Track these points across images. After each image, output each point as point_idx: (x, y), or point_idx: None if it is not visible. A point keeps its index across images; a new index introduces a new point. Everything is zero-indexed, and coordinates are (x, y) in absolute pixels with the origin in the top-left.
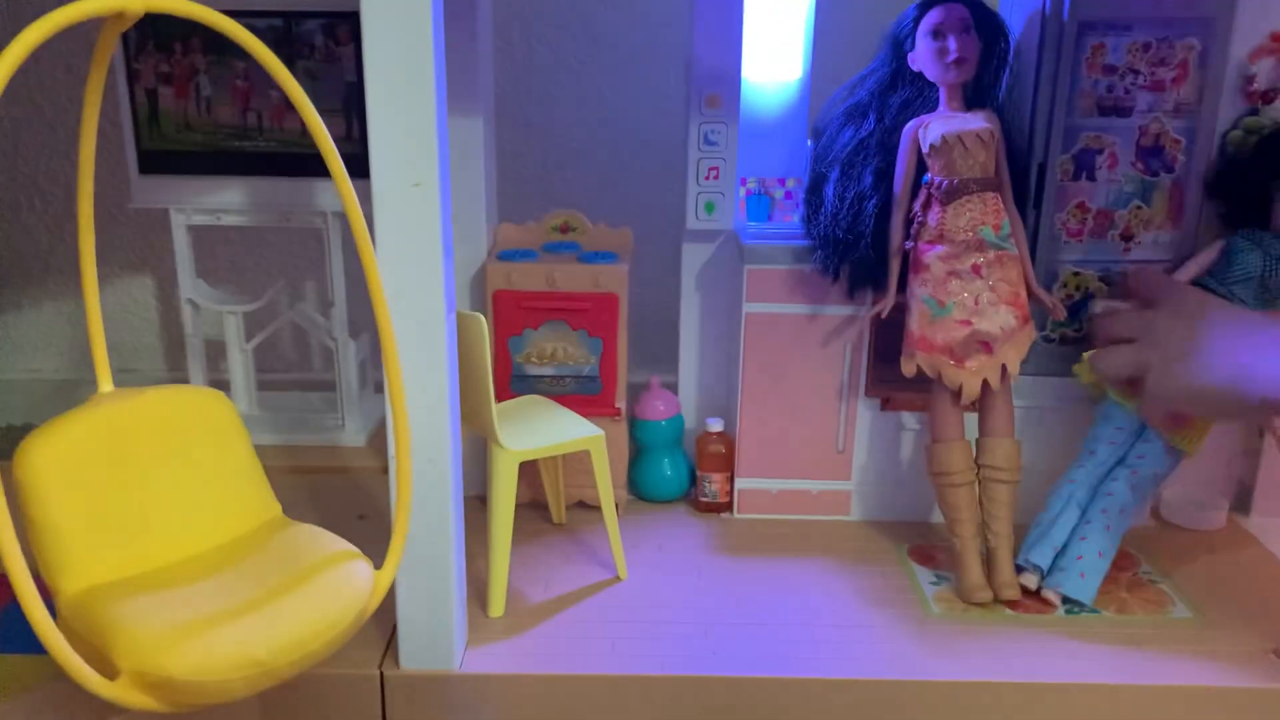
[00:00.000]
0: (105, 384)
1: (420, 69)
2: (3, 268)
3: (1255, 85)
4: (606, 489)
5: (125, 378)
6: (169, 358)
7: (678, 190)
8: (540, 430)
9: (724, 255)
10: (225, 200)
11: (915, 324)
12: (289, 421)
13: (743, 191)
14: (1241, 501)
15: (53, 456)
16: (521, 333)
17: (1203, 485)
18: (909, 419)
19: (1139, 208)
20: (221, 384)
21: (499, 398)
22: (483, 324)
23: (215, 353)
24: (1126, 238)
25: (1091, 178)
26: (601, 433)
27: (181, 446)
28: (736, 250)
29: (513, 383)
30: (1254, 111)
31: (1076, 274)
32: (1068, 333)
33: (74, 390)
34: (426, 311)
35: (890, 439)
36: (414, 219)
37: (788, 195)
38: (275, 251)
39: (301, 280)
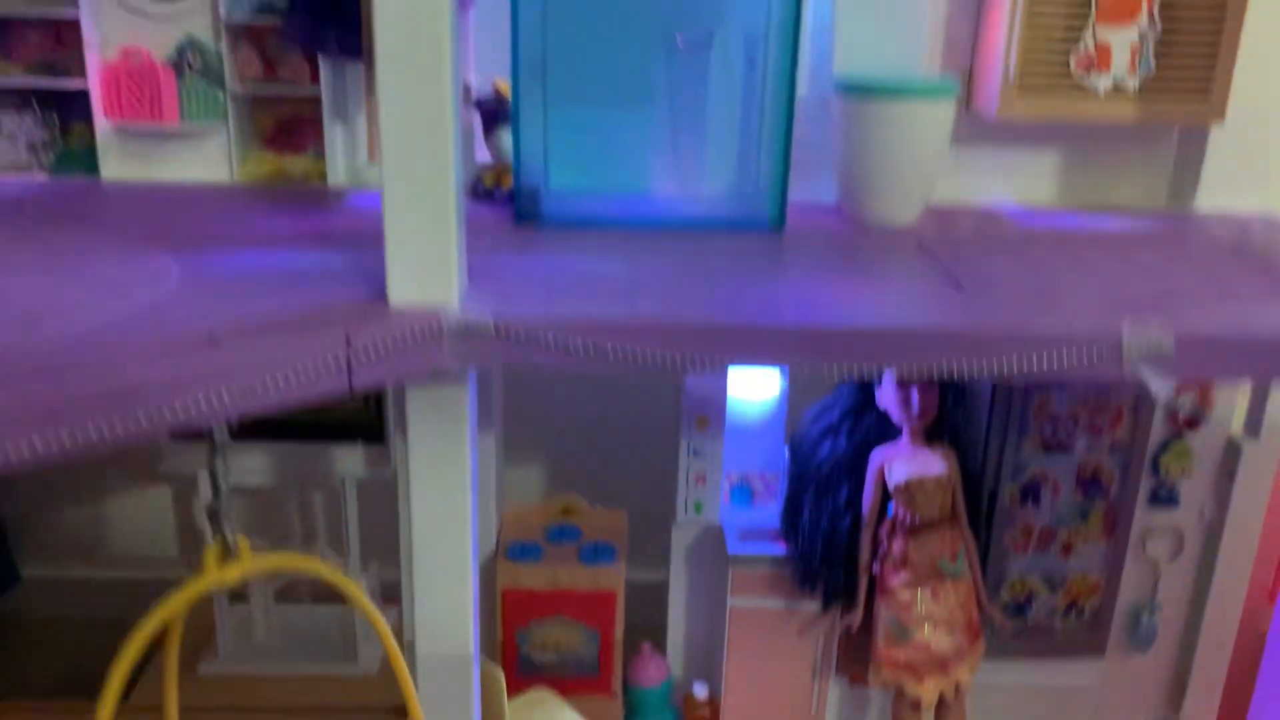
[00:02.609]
0: None
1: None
2: None
3: (1181, 415)
4: None
5: None
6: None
7: (669, 468)
8: None
9: (709, 539)
10: (247, 464)
11: (881, 641)
12: (301, 647)
13: (727, 484)
14: None
15: None
16: (528, 625)
17: None
18: (875, 693)
19: (1078, 526)
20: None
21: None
22: (500, 681)
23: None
24: (1066, 550)
25: (1036, 503)
26: None
27: None
28: (721, 540)
29: (519, 668)
30: (1179, 435)
31: (1022, 579)
32: (1009, 624)
33: None
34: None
35: (859, 711)
36: None
37: (768, 487)
38: (293, 514)
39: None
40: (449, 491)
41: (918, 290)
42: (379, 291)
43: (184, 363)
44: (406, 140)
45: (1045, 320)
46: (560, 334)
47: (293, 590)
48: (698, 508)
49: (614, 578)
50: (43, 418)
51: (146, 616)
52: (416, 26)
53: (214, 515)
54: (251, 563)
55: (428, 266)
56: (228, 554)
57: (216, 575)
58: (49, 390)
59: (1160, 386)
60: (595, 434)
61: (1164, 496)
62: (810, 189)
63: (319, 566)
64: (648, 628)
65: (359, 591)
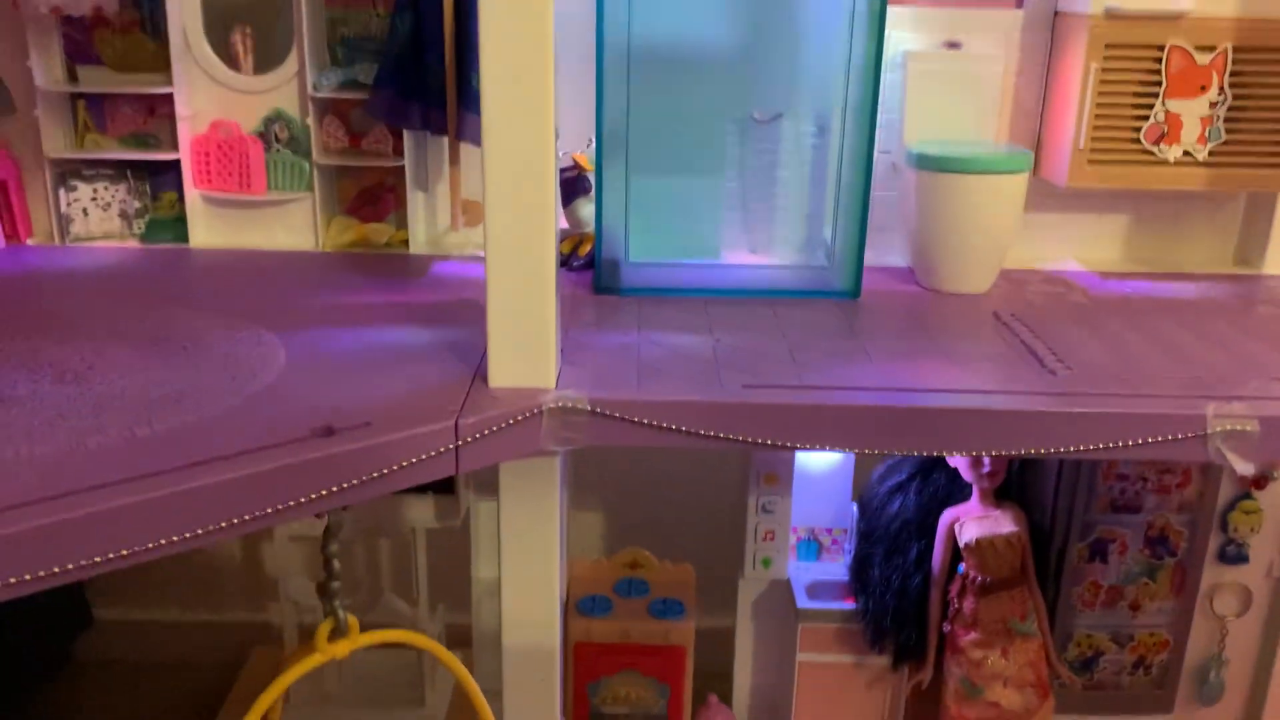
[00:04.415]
0: None
1: None
2: None
3: (1249, 474)
4: None
5: None
6: None
7: (735, 522)
8: None
9: (777, 594)
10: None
11: (951, 699)
12: (371, 693)
13: (794, 538)
14: None
15: None
16: (598, 680)
17: None
18: None
19: (1146, 584)
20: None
21: None
22: None
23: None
24: (1134, 608)
25: (1104, 561)
26: None
27: None
28: (789, 595)
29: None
30: (1248, 494)
31: (1089, 635)
32: (1078, 680)
33: None
34: None
35: None
36: None
37: (835, 542)
38: (359, 561)
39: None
40: (538, 555)
41: (1002, 370)
42: (476, 370)
43: (301, 455)
44: (511, 241)
45: (1129, 402)
46: (654, 415)
47: None
48: (766, 563)
49: (684, 633)
50: (166, 513)
51: (263, 692)
52: (522, 109)
53: (327, 594)
54: (360, 638)
55: (527, 353)
56: (338, 631)
57: (328, 651)
58: (170, 486)
59: (1244, 467)
60: (659, 486)
61: (1233, 554)
62: (875, 248)
63: (424, 641)
64: (713, 677)
65: (460, 666)
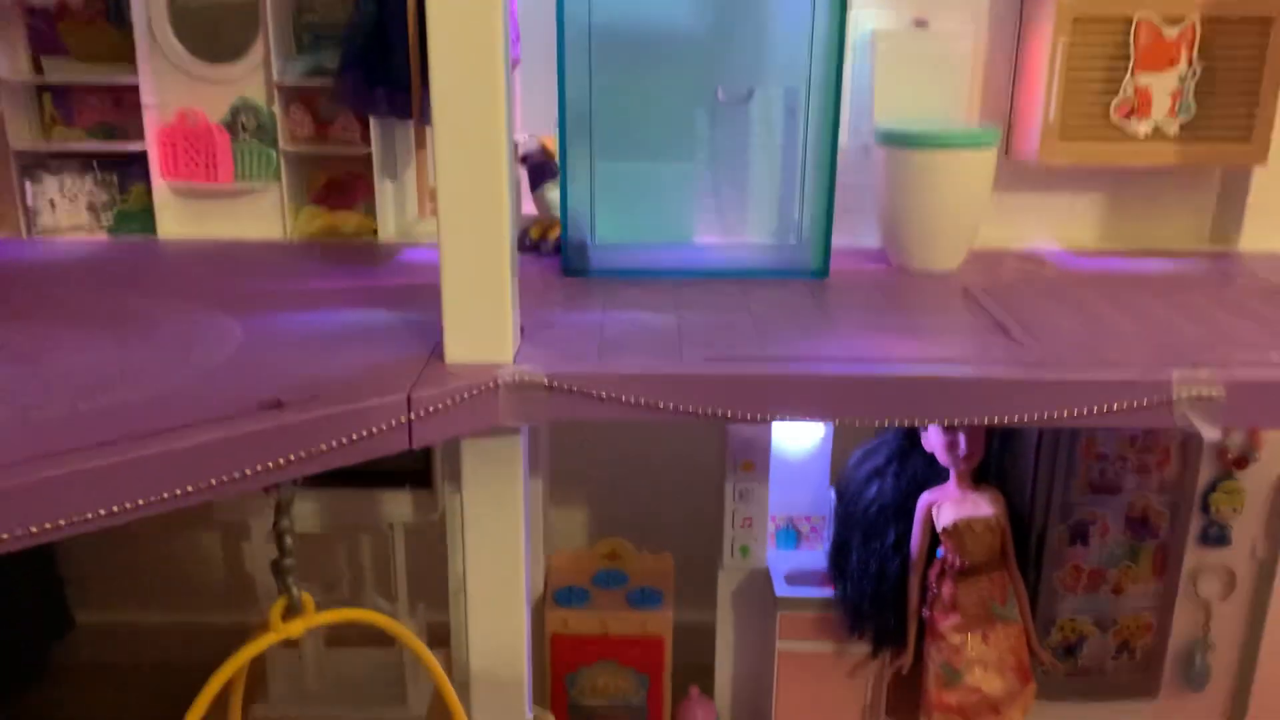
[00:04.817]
0: None
1: None
2: None
3: (1230, 454)
4: None
5: None
6: None
7: (713, 511)
8: None
9: (756, 582)
10: (297, 510)
11: (932, 685)
12: (351, 690)
13: (772, 526)
14: None
15: None
16: (576, 670)
17: None
18: None
19: (1128, 566)
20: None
21: None
22: None
23: None
24: (1117, 591)
25: (1085, 543)
26: None
27: None
28: (768, 583)
29: (569, 713)
30: (1229, 474)
31: (1072, 620)
32: (1060, 666)
33: None
34: None
35: None
36: None
37: (813, 530)
38: (340, 558)
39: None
40: (502, 539)
41: (967, 341)
42: (434, 348)
43: (248, 427)
44: (463, 208)
45: (1095, 369)
46: (612, 389)
47: (342, 634)
48: (744, 551)
49: (662, 622)
50: (109, 483)
51: (215, 672)
52: (472, 93)
53: (279, 572)
54: (315, 617)
55: (483, 327)
56: (292, 609)
57: (282, 630)
58: (114, 456)
59: (1211, 432)
60: (640, 478)
61: (1215, 535)
62: (850, 233)
63: (380, 619)
64: (695, 669)
65: (419, 642)
